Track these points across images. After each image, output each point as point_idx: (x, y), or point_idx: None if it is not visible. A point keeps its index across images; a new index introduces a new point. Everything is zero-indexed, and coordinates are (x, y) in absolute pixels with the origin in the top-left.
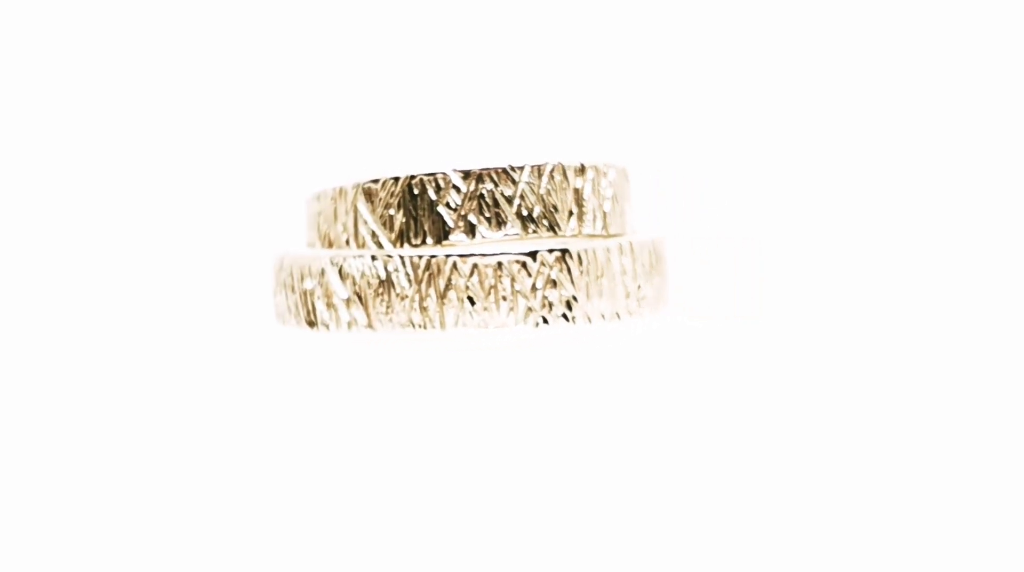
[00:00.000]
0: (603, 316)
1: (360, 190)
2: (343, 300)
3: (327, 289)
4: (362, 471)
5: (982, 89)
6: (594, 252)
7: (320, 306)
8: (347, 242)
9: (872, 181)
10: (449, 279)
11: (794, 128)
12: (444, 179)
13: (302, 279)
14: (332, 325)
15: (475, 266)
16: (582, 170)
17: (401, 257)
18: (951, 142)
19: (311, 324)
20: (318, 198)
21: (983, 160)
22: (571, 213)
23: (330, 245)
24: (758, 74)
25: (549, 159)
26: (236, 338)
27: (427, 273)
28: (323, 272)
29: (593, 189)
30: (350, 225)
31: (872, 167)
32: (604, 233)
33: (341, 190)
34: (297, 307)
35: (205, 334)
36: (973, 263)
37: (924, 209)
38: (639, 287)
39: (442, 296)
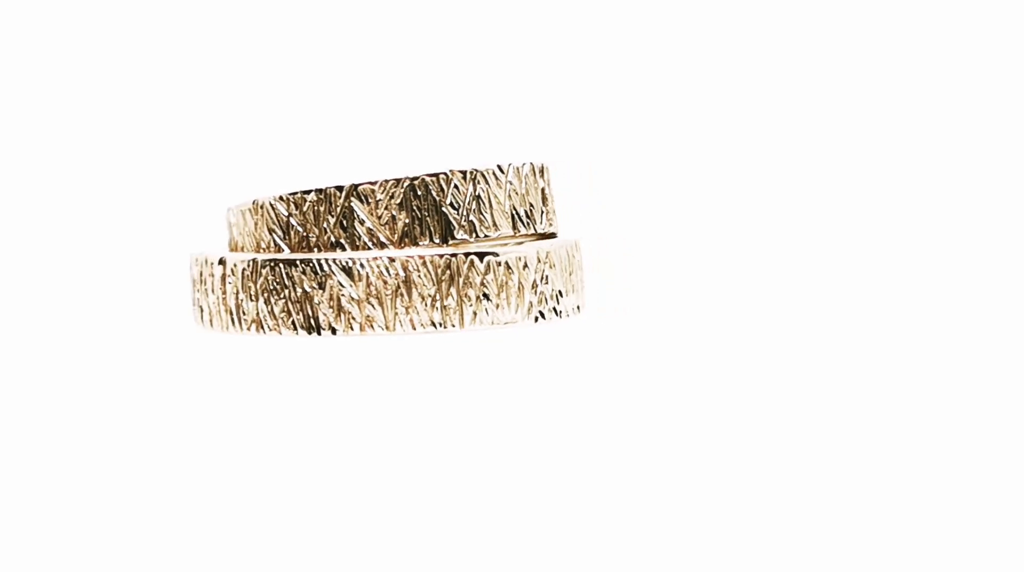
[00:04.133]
0: (575, 309)
1: (352, 191)
2: (356, 302)
3: (333, 292)
4: (379, 475)
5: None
6: (565, 249)
7: (324, 310)
8: (334, 245)
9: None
10: (467, 277)
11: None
12: (446, 179)
13: (298, 283)
14: (340, 329)
15: (489, 264)
16: (542, 171)
17: (421, 257)
18: (862, 143)
19: (310, 329)
20: (286, 202)
21: (889, 161)
22: (542, 212)
23: (309, 249)
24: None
25: (524, 160)
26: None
27: (447, 272)
28: (330, 274)
29: (549, 189)
30: (340, 227)
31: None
32: (555, 231)
33: (326, 192)
34: (288, 312)
35: (182, 347)
36: (862, 266)
37: (837, 208)
38: (582, 282)
39: (462, 295)
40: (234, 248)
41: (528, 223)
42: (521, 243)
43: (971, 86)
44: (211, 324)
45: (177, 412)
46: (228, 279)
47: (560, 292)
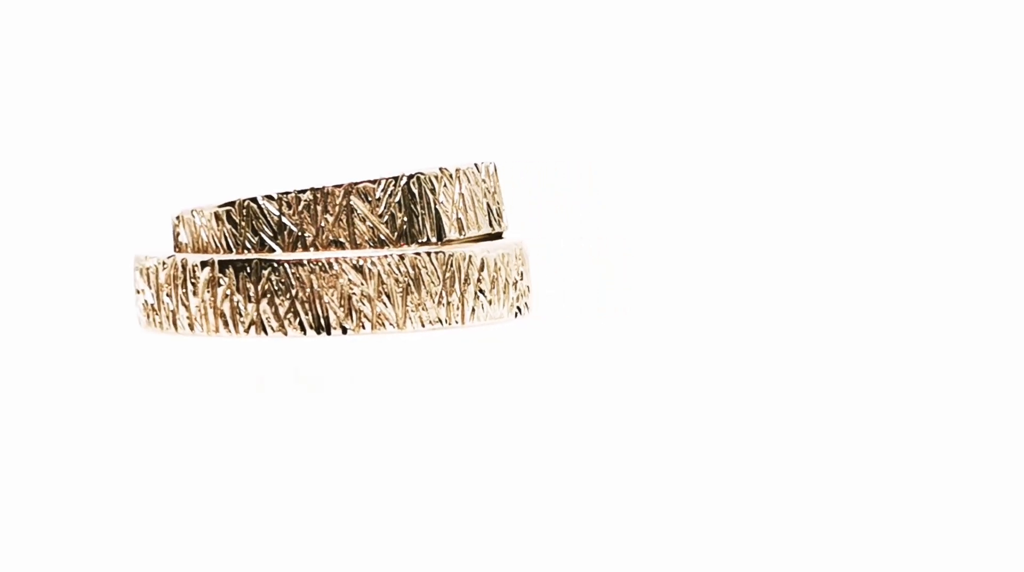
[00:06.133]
0: (533, 305)
1: (352, 190)
2: (368, 300)
3: (344, 290)
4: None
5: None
6: (526, 247)
7: (335, 309)
8: (332, 244)
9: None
10: (467, 274)
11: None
12: (437, 178)
13: (306, 282)
14: (350, 328)
15: (484, 261)
16: (495, 171)
17: (428, 253)
18: (821, 136)
19: (319, 329)
20: (277, 201)
21: (856, 155)
22: (503, 210)
23: (304, 248)
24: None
25: (492, 159)
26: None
27: (450, 270)
28: (340, 272)
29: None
30: (338, 226)
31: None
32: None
33: (323, 190)
34: (295, 313)
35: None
36: (842, 264)
37: (806, 206)
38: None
39: (463, 291)
40: (201, 250)
41: (498, 221)
42: (492, 241)
43: (971, 86)
44: (190, 329)
45: (171, 421)
46: (220, 281)
47: (528, 288)
